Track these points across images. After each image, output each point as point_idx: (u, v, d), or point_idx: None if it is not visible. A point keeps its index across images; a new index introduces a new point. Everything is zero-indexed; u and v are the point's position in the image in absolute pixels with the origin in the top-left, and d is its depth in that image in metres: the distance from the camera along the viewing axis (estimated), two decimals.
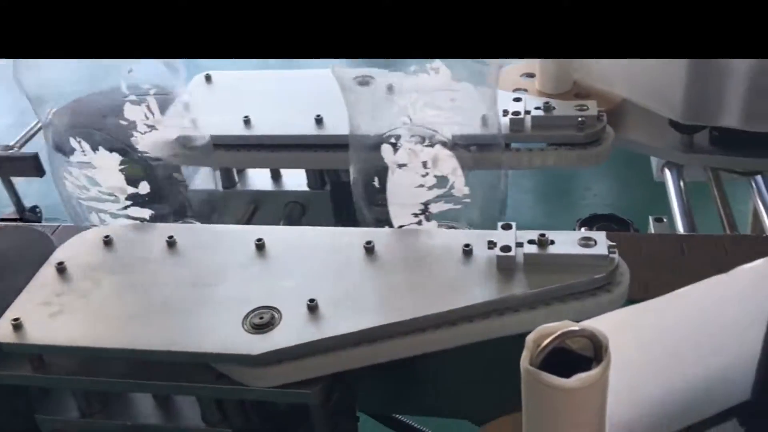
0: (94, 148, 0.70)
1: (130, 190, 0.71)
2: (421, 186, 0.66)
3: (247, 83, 0.96)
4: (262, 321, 0.59)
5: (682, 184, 1.00)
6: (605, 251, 0.60)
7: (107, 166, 0.70)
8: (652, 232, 0.96)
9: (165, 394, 0.67)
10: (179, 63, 0.75)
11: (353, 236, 0.67)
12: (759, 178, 1.00)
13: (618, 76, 0.88)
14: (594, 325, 0.39)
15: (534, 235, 0.62)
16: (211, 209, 0.81)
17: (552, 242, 0.62)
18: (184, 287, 0.64)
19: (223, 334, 0.59)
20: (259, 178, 0.95)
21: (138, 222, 0.72)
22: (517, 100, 0.83)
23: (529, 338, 0.39)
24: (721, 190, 1.00)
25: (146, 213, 0.72)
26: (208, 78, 0.97)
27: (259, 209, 0.94)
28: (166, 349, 0.59)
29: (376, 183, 0.68)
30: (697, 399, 0.49)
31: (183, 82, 0.77)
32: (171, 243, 0.69)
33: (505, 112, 0.81)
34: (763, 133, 0.81)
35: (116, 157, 0.70)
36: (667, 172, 1.02)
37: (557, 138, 0.81)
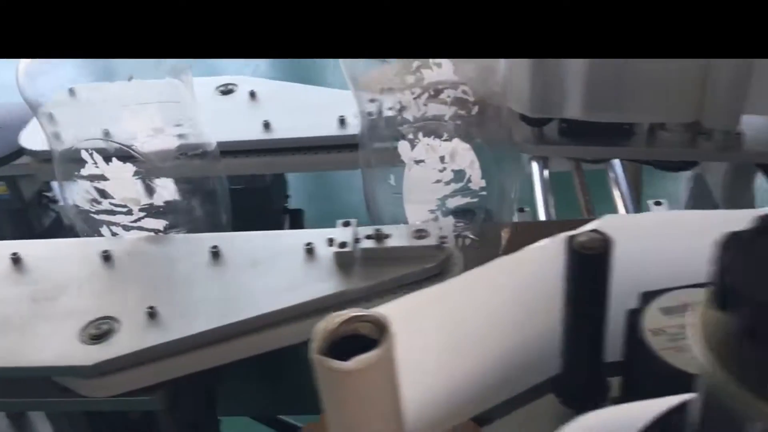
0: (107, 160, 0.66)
1: (144, 201, 0.68)
2: (439, 181, 0.65)
3: (108, 95, 0.95)
4: (100, 331, 0.59)
5: (546, 174, 1.04)
6: (436, 242, 0.63)
7: (121, 177, 0.67)
8: (516, 221, 1.00)
9: (14, 411, 0.66)
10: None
11: (199, 242, 0.68)
12: (616, 164, 1.06)
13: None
14: (386, 309, 0.41)
15: (371, 230, 0.64)
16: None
17: (388, 236, 0.64)
18: (24, 303, 0.63)
19: (59, 347, 0.59)
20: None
21: None
22: (372, 101, 0.85)
23: (318, 326, 0.41)
24: (581, 179, 1.04)
25: (161, 224, 0.69)
26: (71, 91, 0.96)
27: None
28: (2, 365, 0.59)
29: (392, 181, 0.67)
30: (508, 375, 0.51)
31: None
32: (15, 260, 0.68)
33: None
34: (606, 123, 0.85)
35: (130, 168, 0.67)
36: (534, 164, 1.06)
37: None
